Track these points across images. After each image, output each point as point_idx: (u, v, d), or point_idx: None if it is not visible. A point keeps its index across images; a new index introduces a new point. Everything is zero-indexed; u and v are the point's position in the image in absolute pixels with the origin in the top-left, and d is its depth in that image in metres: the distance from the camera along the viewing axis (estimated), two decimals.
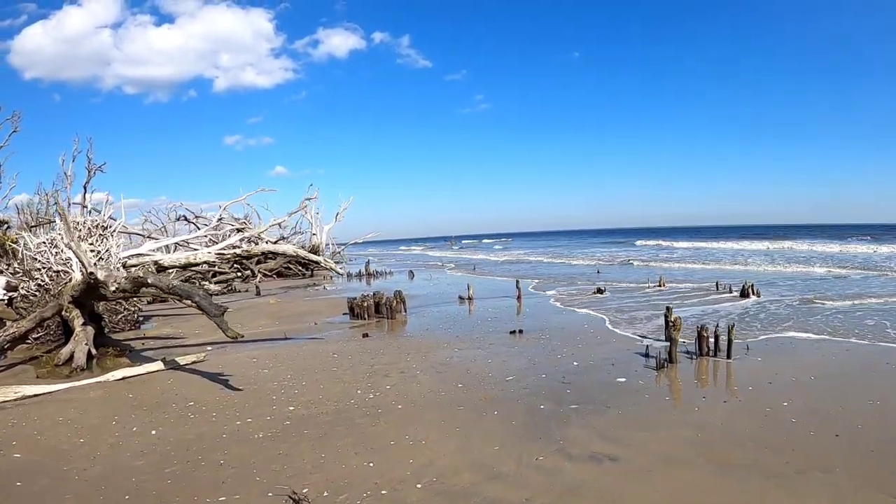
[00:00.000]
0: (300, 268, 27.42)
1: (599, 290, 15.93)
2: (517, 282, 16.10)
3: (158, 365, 8.95)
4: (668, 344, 8.19)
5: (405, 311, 13.52)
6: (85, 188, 31.17)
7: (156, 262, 9.36)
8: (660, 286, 16.83)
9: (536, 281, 20.36)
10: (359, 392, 6.88)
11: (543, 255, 40.41)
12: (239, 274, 24.60)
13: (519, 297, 15.56)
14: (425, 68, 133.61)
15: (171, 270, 14.31)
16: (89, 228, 13.76)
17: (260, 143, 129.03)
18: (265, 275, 25.07)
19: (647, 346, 8.79)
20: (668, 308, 9.55)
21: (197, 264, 8.69)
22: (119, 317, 12.92)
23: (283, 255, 9.35)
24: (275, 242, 28.82)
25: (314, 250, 32.50)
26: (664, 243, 45.21)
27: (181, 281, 22.34)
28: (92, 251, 13.64)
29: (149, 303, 16.63)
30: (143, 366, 8.92)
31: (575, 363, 8.08)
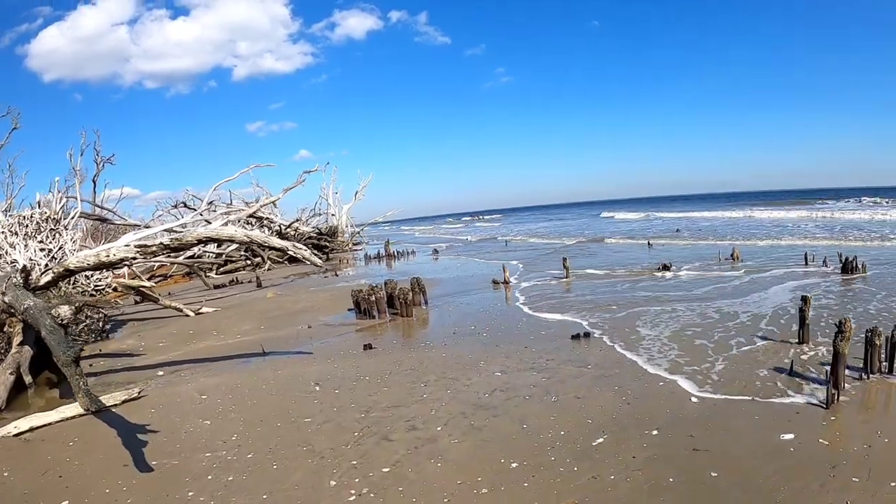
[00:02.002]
0: (315, 252, 24.39)
1: (665, 267, 12.54)
2: (564, 260, 12.78)
3: (77, 408, 6.02)
4: (810, 356, 4.88)
5: (425, 304, 10.38)
6: (94, 182, 28.69)
7: (64, 266, 6.34)
8: (733, 259, 13.34)
9: (586, 258, 17.00)
10: (332, 486, 3.76)
11: (576, 229, 36.99)
12: (249, 262, 21.79)
13: (567, 273, 12.30)
14: (444, 45, 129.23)
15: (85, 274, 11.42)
16: (38, 223, 11.00)
17: (283, 128, 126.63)
18: (276, 261, 22.16)
19: (791, 361, 5.51)
20: (804, 299, 6.27)
21: (112, 263, 5.66)
22: (81, 327, 10.06)
23: (231, 241, 6.26)
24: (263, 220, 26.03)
25: (333, 232, 29.61)
26: (705, 214, 40.24)
27: (186, 272, 19.57)
28: (42, 249, 10.87)
29: (136, 302, 13.87)
30: (59, 410, 6.04)
31: (693, 399, 4.84)
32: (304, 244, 25.14)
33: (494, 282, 12.47)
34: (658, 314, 8.26)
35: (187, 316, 11.47)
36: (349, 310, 10.38)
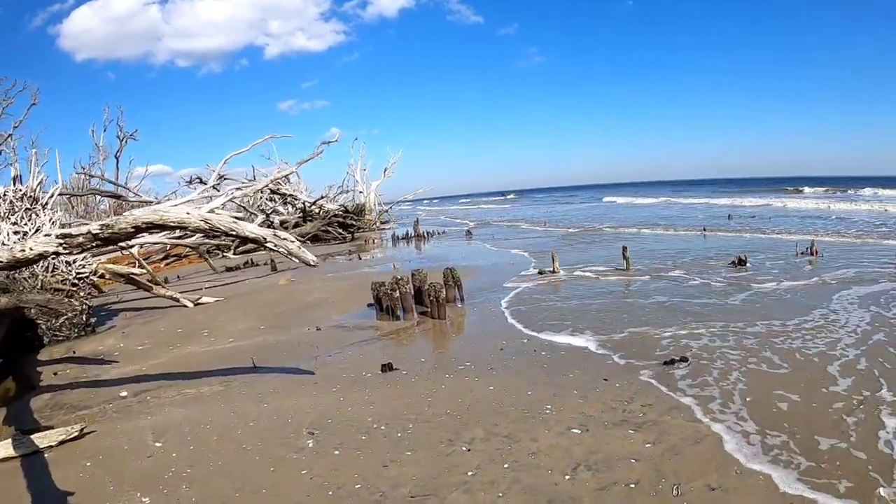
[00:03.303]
0: (340, 230, 22.59)
1: (741, 261, 10.21)
2: (624, 249, 10.55)
3: (7, 446, 4.32)
4: None
5: (461, 300, 8.35)
6: (116, 158, 27.30)
7: None
8: (811, 255, 10.86)
9: (632, 247, 14.73)
10: None
11: (601, 214, 34.43)
12: None
13: (627, 265, 10.11)
14: (476, 24, 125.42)
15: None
16: (11, 202, 9.26)
17: (314, 106, 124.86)
18: (296, 240, 20.32)
19: None
20: None
21: (30, 260, 3.78)
22: (62, 320, 8.34)
23: (182, 227, 4.38)
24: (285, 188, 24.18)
25: (360, 210, 27.71)
26: (723, 201, 35.49)
27: (206, 251, 17.95)
28: (16, 233, 9.13)
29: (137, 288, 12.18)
30: None
31: None
32: (330, 223, 23.39)
33: (540, 272, 10.35)
34: (771, 337, 6.10)
35: (185, 307, 9.70)
36: (369, 305, 8.41)
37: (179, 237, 11.63)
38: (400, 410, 4.40)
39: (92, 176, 20.21)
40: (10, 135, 25.01)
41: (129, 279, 9.70)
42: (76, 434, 4.48)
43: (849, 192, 37.09)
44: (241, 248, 19.83)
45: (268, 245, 4.09)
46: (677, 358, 5.21)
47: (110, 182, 21.90)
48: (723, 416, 3.96)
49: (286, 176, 12.25)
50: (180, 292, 10.63)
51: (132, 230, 3.91)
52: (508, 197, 72.73)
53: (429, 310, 7.58)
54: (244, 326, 7.87)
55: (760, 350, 5.40)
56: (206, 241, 13.99)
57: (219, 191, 12.50)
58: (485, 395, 4.60)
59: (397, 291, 7.70)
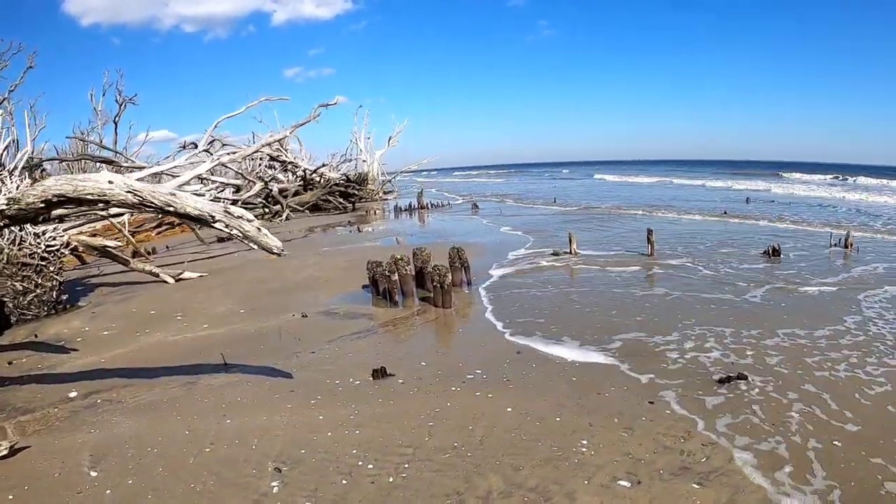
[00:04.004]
0: (341, 200, 21.47)
1: (775, 251, 9.09)
2: (649, 233, 9.44)
3: None
4: None
5: (468, 284, 7.34)
6: (115, 122, 26.02)
7: None
8: (846, 247, 9.68)
9: (659, 228, 13.65)
10: None
11: (606, 193, 33.08)
12: (267, 210, 18.96)
13: (651, 250, 9.04)
14: None
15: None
16: None
17: (320, 74, 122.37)
18: (295, 209, 19.27)
19: None
20: None
21: None
22: (30, 297, 7.39)
23: (103, 201, 3.40)
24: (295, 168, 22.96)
25: (362, 179, 26.49)
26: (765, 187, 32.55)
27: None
28: None
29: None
30: None
31: None
32: (331, 192, 22.24)
33: (555, 253, 9.29)
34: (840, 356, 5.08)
35: (165, 283, 8.72)
36: (364, 287, 7.41)
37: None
38: (393, 438, 3.41)
39: (84, 140, 19.01)
40: (4, 98, 23.76)
41: (103, 252, 8.69)
42: (5, 452, 3.54)
43: (848, 179, 34.58)
44: None
45: (216, 225, 3.06)
46: (734, 375, 4.21)
47: (104, 148, 20.75)
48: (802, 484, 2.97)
49: (280, 140, 11.11)
50: (166, 265, 9.65)
51: (42, 206, 2.87)
52: (515, 173, 70.67)
53: (432, 296, 6.57)
54: (223, 309, 6.87)
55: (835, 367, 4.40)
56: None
57: (212, 154, 11.38)
58: (502, 419, 3.60)
59: (396, 273, 6.67)
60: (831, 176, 36.64)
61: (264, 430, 3.64)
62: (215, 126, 11.83)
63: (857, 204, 19.12)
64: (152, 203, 2.98)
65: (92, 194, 2.95)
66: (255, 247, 3.22)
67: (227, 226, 3.09)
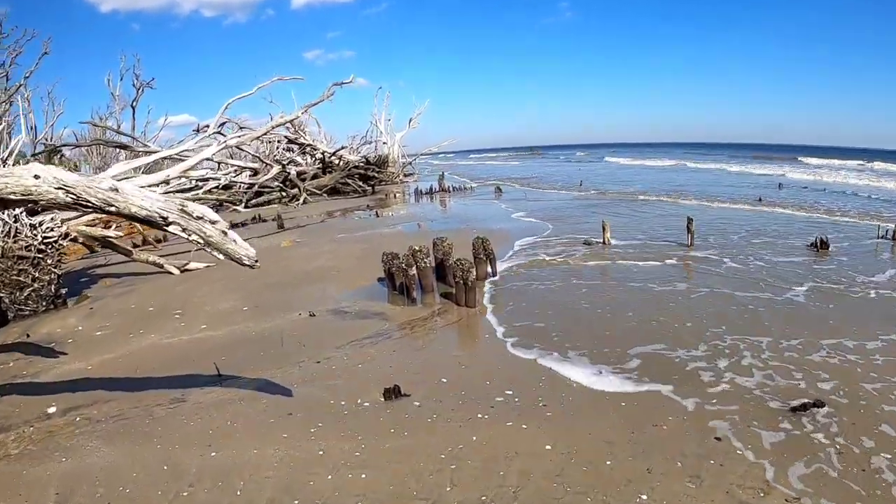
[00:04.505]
0: (360, 183, 20.80)
1: (823, 244, 8.12)
2: (689, 221, 8.56)
3: None
4: None
5: (493, 275, 6.64)
6: (133, 107, 25.64)
7: None
8: (894, 241, 8.63)
9: (672, 222, 12.75)
10: None
11: (627, 177, 31.84)
12: (284, 193, 18.38)
13: (691, 240, 8.21)
14: None
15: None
16: None
17: (341, 56, 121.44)
18: (312, 193, 18.65)
19: None
20: None
21: None
22: (28, 292, 6.91)
23: (26, 200, 2.79)
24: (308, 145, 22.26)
25: (382, 162, 25.74)
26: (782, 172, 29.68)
27: (213, 205, 16.42)
28: None
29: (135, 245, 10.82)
30: None
31: None
32: (350, 174, 21.56)
33: (587, 243, 8.50)
34: None
35: (170, 273, 8.18)
36: (380, 280, 6.75)
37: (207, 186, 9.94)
38: (406, 487, 2.73)
39: (98, 125, 18.62)
40: (21, 84, 23.52)
41: (105, 242, 8.17)
42: None
43: (869, 164, 31.82)
44: (253, 201, 18.29)
45: (170, 228, 2.40)
46: (810, 402, 3.44)
47: (120, 132, 20.34)
48: None
49: (291, 121, 10.46)
50: (174, 254, 9.13)
51: None
52: (537, 154, 68.75)
53: (454, 292, 5.87)
54: (225, 306, 6.27)
55: None
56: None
57: (221, 137, 10.80)
58: (540, 461, 2.89)
59: (414, 267, 5.98)
60: (857, 162, 33.94)
61: (254, 467, 3.01)
62: (226, 108, 11.25)
63: (893, 193, 17.26)
64: (88, 202, 2.33)
65: (15, 193, 2.31)
66: (222, 257, 2.54)
67: (184, 229, 2.42)
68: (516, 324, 5.12)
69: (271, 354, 4.69)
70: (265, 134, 10.76)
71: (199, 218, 2.39)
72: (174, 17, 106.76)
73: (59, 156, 24.28)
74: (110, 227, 9.05)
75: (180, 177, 9.57)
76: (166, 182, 8.94)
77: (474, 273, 5.55)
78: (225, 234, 2.46)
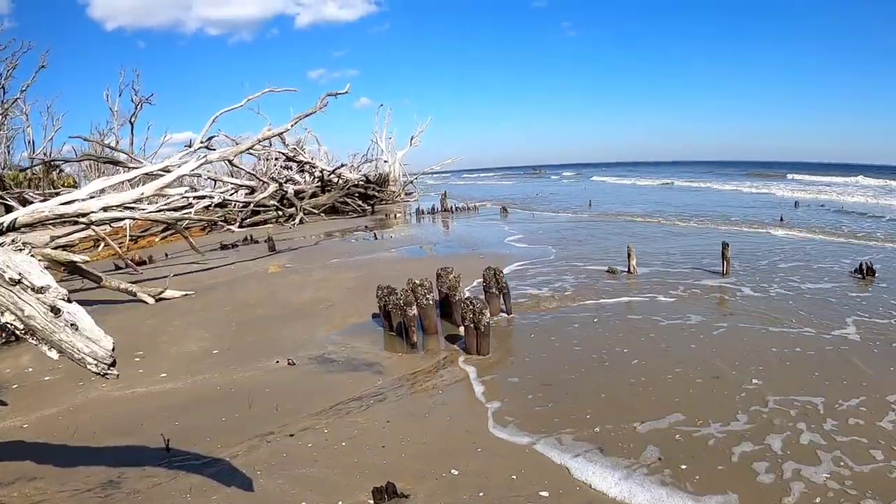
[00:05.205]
0: (359, 202, 19.89)
1: (870, 270, 7.14)
2: (724, 247, 7.57)
3: None
4: None
5: (507, 313, 5.65)
6: (131, 123, 24.88)
7: None
8: None
9: (706, 241, 11.79)
10: None
11: (633, 198, 30.91)
12: (280, 212, 17.45)
13: (726, 263, 7.21)
14: None
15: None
16: None
17: (344, 75, 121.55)
18: (310, 212, 17.73)
19: None
20: None
21: None
22: None
23: None
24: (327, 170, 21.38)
25: (383, 180, 24.88)
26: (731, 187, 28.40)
27: (205, 225, 15.45)
28: None
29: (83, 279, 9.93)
30: None
31: None
32: (349, 193, 20.64)
33: (611, 271, 7.52)
34: None
35: (144, 303, 7.21)
36: (374, 316, 5.76)
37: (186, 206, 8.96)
38: None
39: (88, 140, 17.80)
40: (17, 98, 22.81)
41: (71, 268, 7.20)
42: None
43: (853, 180, 30.34)
44: (248, 220, 17.37)
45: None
46: None
47: (112, 148, 19.58)
48: None
49: (280, 133, 9.57)
50: (157, 278, 8.18)
51: None
52: (540, 174, 67.79)
53: (460, 331, 4.88)
54: (193, 347, 5.26)
55: None
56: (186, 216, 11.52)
57: (198, 153, 9.92)
58: None
59: (414, 306, 4.98)
60: (844, 178, 32.27)
61: None
62: (213, 120, 10.39)
63: None
64: None
65: None
66: (53, 354, 1.57)
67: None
68: (537, 383, 4.12)
69: (236, 420, 3.68)
70: (250, 148, 9.88)
71: (13, 283, 1.42)
72: (180, 35, 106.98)
73: (57, 171, 23.48)
74: (75, 249, 8.13)
75: (156, 195, 8.63)
76: (140, 200, 8.03)
77: (488, 315, 4.55)
78: (57, 312, 1.47)
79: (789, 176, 36.72)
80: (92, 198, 7.89)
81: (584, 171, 67.48)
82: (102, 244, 11.62)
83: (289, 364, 4.58)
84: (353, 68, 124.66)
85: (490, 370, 4.36)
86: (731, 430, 3.32)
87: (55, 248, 8.06)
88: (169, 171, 8.59)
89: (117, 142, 23.84)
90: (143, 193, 8.07)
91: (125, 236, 13.31)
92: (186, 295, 7.53)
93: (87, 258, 7.09)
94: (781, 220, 13.29)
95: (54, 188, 19.37)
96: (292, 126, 9.67)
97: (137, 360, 5.07)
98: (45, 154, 23.17)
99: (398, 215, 19.14)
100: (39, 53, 22.58)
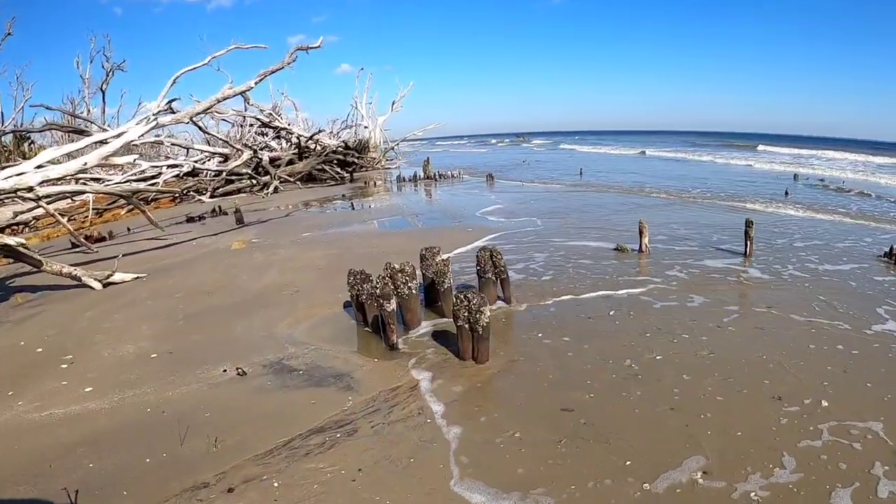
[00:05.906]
0: (337, 169, 18.69)
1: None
2: (748, 224, 6.74)
3: None
4: None
5: (506, 301, 4.78)
6: (102, 90, 23.02)
7: None
8: None
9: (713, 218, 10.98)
10: None
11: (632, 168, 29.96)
12: (255, 182, 16.22)
13: (749, 244, 6.39)
14: None
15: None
16: None
17: (325, 42, 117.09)
18: (285, 181, 16.54)
19: None
20: None
21: None
22: None
23: None
24: (309, 137, 20.04)
25: (363, 146, 23.58)
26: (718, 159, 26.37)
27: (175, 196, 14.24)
28: None
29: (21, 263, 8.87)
30: None
31: None
32: (327, 160, 19.38)
33: (619, 248, 6.65)
34: None
35: (91, 288, 6.20)
36: (346, 306, 4.85)
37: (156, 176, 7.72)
38: None
39: (50, 108, 16.18)
40: None
41: (7, 251, 6.11)
42: None
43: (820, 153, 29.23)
44: (221, 190, 16.12)
45: None
46: None
47: (76, 116, 18.00)
48: None
49: (243, 91, 8.39)
50: (111, 258, 7.11)
51: None
52: (524, 141, 66.01)
53: (448, 323, 4.00)
54: (130, 350, 4.29)
55: None
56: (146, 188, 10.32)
57: (175, 112, 8.70)
58: None
59: (393, 299, 4.06)
60: (814, 151, 31.19)
61: None
62: (173, 82, 9.11)
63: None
64: None
65: None
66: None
67: None
68: (556, 406, 3.26)
69: (161, 462, 2.77)
70: (209, 108, 8.68)
71: None
72: (156, 2, 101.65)
73: (28, 142, 21.87)
74: (20, 232, 7.02)
75: (100, 164, 7.50)
76: (83, 171, 6.92)
77: (486, 314, 3.65)
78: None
79: (759, 147, 35.78)
80: (39, 171, 6.80)
81: (556, 138, 65.84)
82: (66, 219, 10.44)
83: (238, 374, 3.65)
84: (334, 34, 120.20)
85: (487, 384, 3.48)
86: (779, 482, 2.50)
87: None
88: (129, 139, 7.46)
89: (88, 111, 22.07)
90: (86, 164, 6.97)
91: (88, 210, 12.09)
92: (138, 278, 6.51)
93: (23, 240, 6.00)
94: (787, 194, 12.42)
95: (25, 160, 17.87)
96: (256, 83, 8.47)
97: (64, 366, 4.10)
98: (15, 124, 21.49)
99: (378, 183, 18.02)
100: (6, 20, 20.65)
